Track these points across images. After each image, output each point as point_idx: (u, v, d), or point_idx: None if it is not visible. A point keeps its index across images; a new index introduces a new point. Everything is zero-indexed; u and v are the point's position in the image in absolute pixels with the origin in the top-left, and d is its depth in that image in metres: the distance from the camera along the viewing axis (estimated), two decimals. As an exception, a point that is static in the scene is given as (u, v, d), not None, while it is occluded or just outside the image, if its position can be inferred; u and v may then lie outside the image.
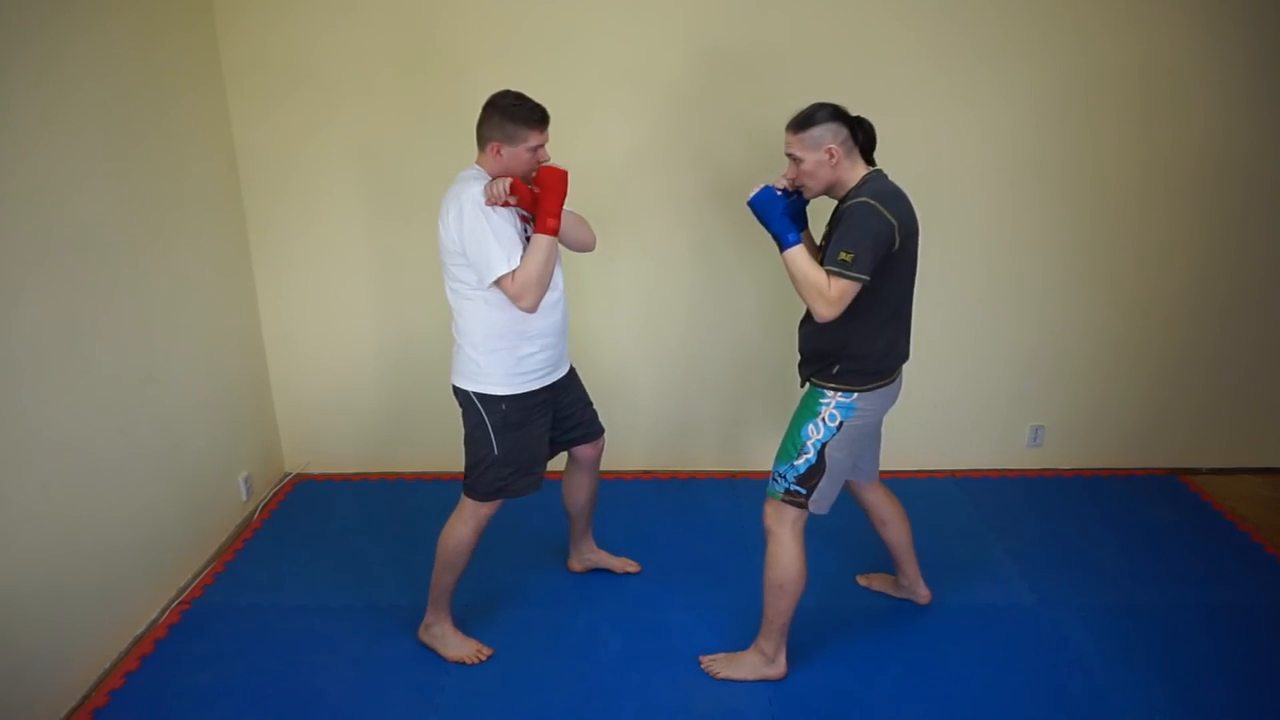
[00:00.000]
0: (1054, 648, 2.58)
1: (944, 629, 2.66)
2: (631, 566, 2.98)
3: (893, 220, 2.11)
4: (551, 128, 2.34)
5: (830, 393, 2.27)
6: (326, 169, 3.26)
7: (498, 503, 2.49)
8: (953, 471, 3.58)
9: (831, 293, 2.11)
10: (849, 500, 2.76)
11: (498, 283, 2.23)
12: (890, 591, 2.80)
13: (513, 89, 2.32)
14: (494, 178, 2.27)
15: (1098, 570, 2.94)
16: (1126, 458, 3.61)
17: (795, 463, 2.31)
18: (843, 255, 2.09)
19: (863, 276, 2.10)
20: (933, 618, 2.71)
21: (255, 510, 3.39)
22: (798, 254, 2.18)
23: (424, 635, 2.62)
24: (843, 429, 2.28)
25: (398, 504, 3.45)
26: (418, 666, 2.53)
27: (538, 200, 2.27)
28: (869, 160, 2.25)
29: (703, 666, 2.52)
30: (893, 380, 2.32)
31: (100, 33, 2.52)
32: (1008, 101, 3.15)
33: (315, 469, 3.69)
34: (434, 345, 3.48)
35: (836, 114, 2.18)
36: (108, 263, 2.55)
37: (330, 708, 2.39)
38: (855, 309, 2.16)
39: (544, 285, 2.25)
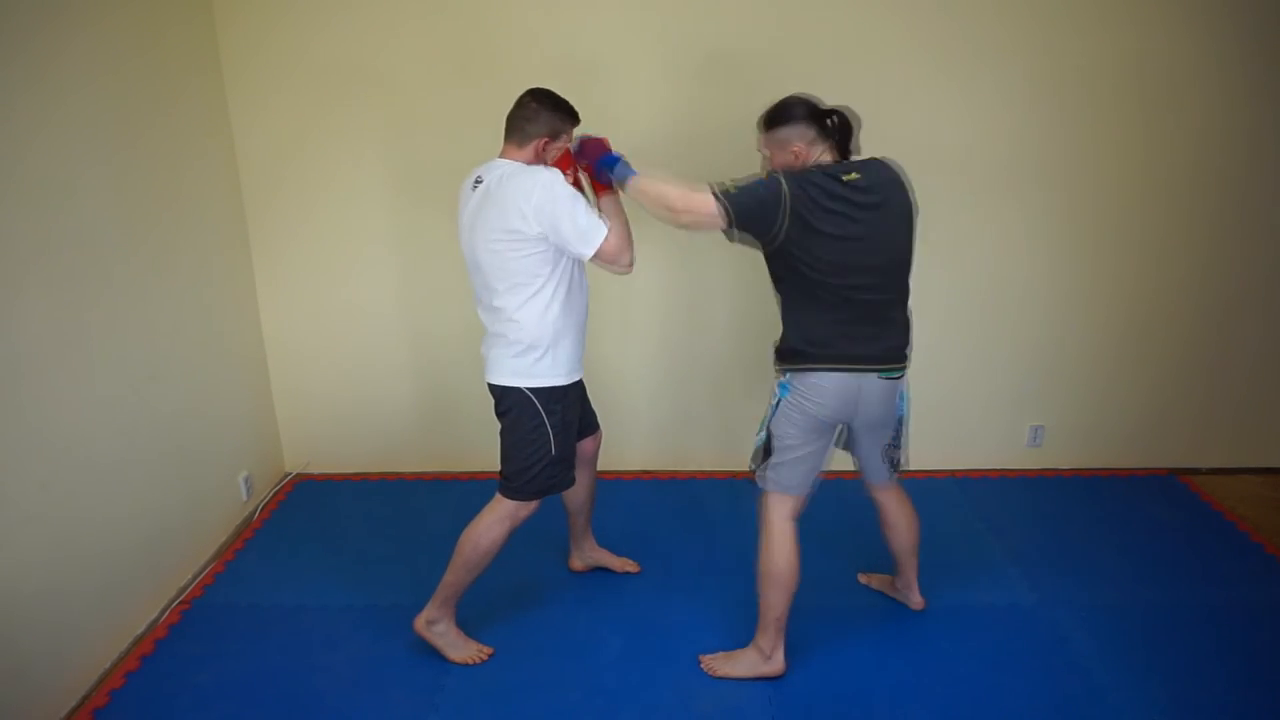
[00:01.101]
0: (1054, 648, 2.58)
1: (944, 629, 2.66)
2: (631, 566, 2.98)
3: (788, 195, 2.10)
4: None
5: (776, 372, 2.36)
6: (327, 167, 3.26)
7: (539, 502, 2.49)
8: (953, 471, 3.58)
9: (693, 197, 2.14)
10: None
11: (599, 248, 2.24)
12: (886, 591, 2.81)
13: (540, 87, 2.38)
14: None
15: (1098, 570, 2.94)
16: (1126, 458, 3.61)
17: (755, 441, 2.41)
18: (729, 185, 2.13)
19: (726, 209, 2.11)
20: (933, 618, 2.71)
21: (255, 510, 3.39)
22: (642, 179, 2.24)
23: (424, 630, 2.56)
24: (780, 407, 2.33)
25: (398, 504, 3.45)
26: (418, 666, 2.53)
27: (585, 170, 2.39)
28: (844, 152, 2.24)
29: (702, 666, 2.52)
30: (841, 369, 2.25)
31: (99, 30, 2.52)
32: (1008, 100, 3.15)
33: (315, 469, 3.69)
34: (435, 345, 3.49)
35: (809, 113, 2.19)
36: (107, 262, 2.55)
37: (330, 708, 2.39)
38: (783, 296, 2.26)
39: (631, 240, 2.32)
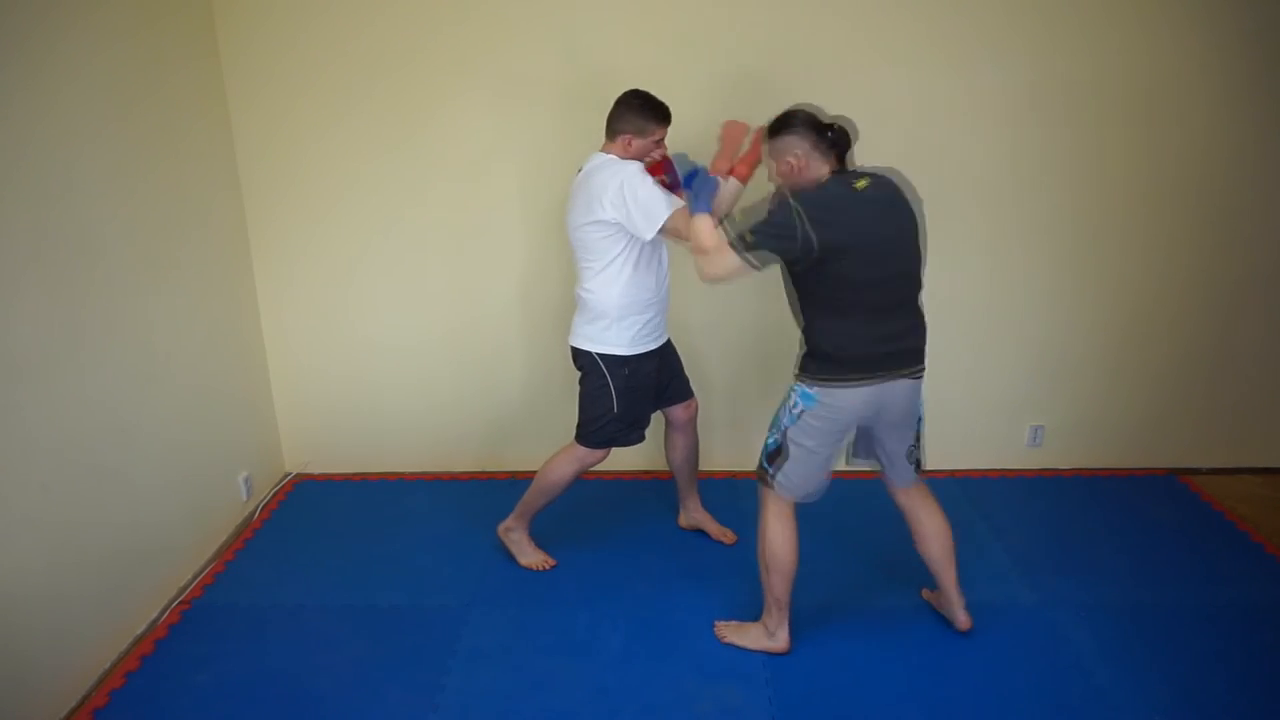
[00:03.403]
0: (1054, 648, 2.58)
1: (944, 628, 2.65)
2: (728, 537, 3.11)
3: (806, 227, 2.13)
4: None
5: (799, 382, 2.36)
6: (327, 167, 3.26)
7: (607, 451, 2.82)
8: (953, 471, 3.58)
9: (711, 250, 2.26)
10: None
11: (663, 225, 2.48)
12: (936, 606, 2.73)
13: (636, 88, 2.62)
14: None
15: (1098, 570, 2.94)
16: (1126, 458, 3.61)
17: (767, 440, 2.43)
18: (747, 235, 2.20)
19: (750, 261, 2.20)
20: (932, 617, 2.71)
21: (255, 510, 3.39)
22: (700, 219, 2.36)
23: (503, 535, 3.01)
24: (802, 418, 2.35)
25: (398, 504, 3.45)
26: (418, 666, 2.54)
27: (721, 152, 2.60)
28: (843, 163, 2.29)
29: (715, 630, 2.63)
30: (869, 382, 2.28)
31: (98, 29, 2.52)
32: (1010, 100, 3.14)
33: (315, 469, 3.69)
34: (435, 344, 3.49)
35: (806, 122, 2.26)
36: (107, 263, 2.55)
37: (330, 708, 2.40)
38: (810, 303, 2.29)
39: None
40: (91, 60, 2.49)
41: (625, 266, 2.61)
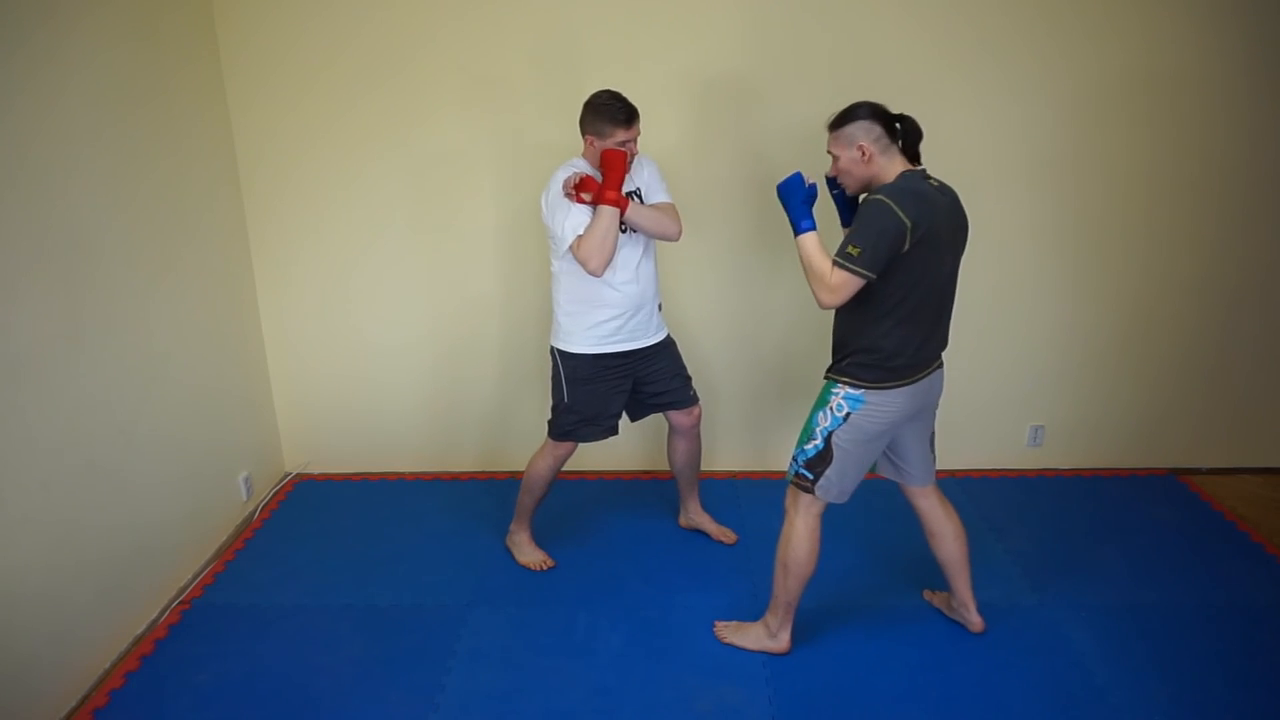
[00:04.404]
0: (1054, 648, 2.58)
1: (944, 628, 2.66)
2: (727, 537, 3.12)
3: (906, 220, 2.09)
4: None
5: (841, 384, 2.31)
6: (327, 167, 3.26)
7: (572, 445, 2.86)
8: (953, 471, 3.57)
9: (832, 280, 2.16)
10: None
11: (569, 250, 2.56)
12: (944, 610, 2.72)
13: (606, 88, 2.58)
14: (592, 166, 2.63)
15: (1098, 570, 2.94)
16: (1126, 458, 3.61)
17: (805, 448, 2.38)
18: (850, 249, 2.13)
19: (866, 273, 2.13)
20: (933, 617, 2.71)
21: (255, 510, 3.39)
22: (808, 240, 2.26)
23: (508, 540, 3.06)
24: (850, 420, 2.30)
25: (398, 504, 3.45)
26: (418, 666, 2.54)
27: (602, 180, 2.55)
28: (913, 159, 2.27)
29: (715, 631, 2.62)
30: (913, 381, 2.29)
31: (98, 29, 2.52)
32: (1014, 100, 3.15)
33: (315, 469, 3.69)
34: (434, 345, 3.49)
35: (874, 112, 2.23)
36: (107, 262, 2.55)
37: (330, 708, 2.40)
38: (867, 304, 2.20)
39: (605, 252, 2.52)
40: (92, 60, 2.49)
41: (569, 265, 2.63)
